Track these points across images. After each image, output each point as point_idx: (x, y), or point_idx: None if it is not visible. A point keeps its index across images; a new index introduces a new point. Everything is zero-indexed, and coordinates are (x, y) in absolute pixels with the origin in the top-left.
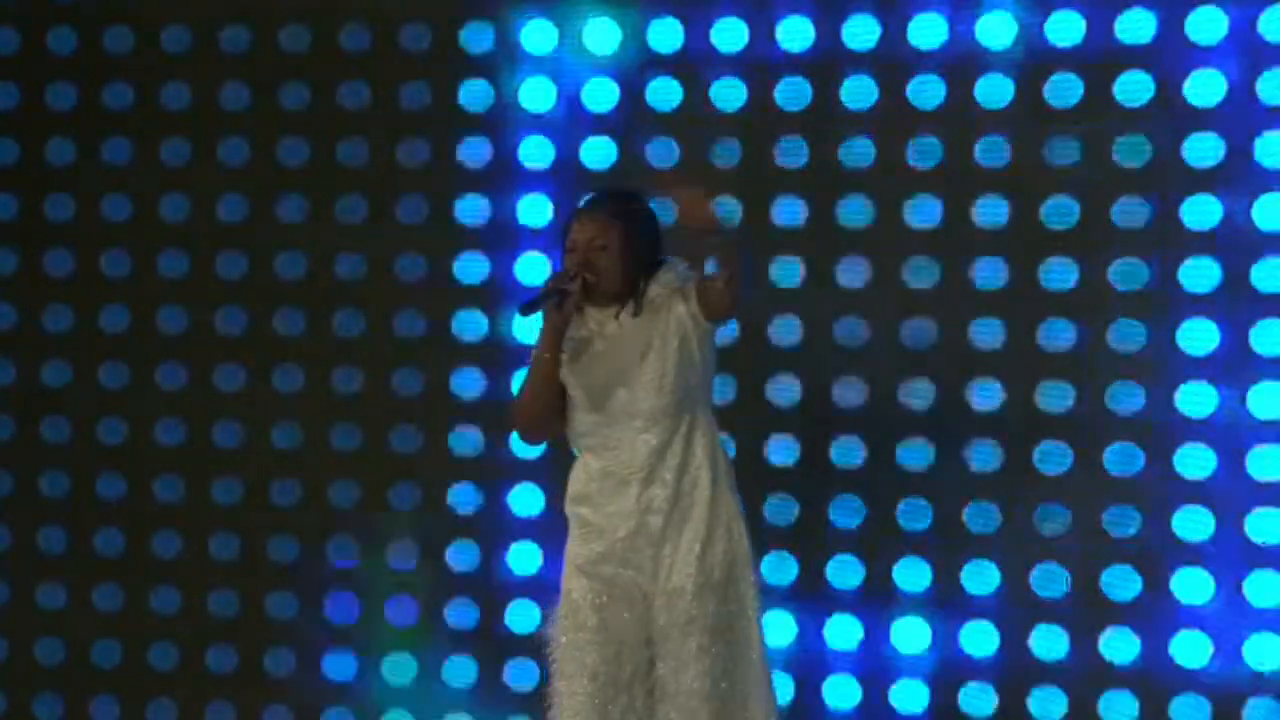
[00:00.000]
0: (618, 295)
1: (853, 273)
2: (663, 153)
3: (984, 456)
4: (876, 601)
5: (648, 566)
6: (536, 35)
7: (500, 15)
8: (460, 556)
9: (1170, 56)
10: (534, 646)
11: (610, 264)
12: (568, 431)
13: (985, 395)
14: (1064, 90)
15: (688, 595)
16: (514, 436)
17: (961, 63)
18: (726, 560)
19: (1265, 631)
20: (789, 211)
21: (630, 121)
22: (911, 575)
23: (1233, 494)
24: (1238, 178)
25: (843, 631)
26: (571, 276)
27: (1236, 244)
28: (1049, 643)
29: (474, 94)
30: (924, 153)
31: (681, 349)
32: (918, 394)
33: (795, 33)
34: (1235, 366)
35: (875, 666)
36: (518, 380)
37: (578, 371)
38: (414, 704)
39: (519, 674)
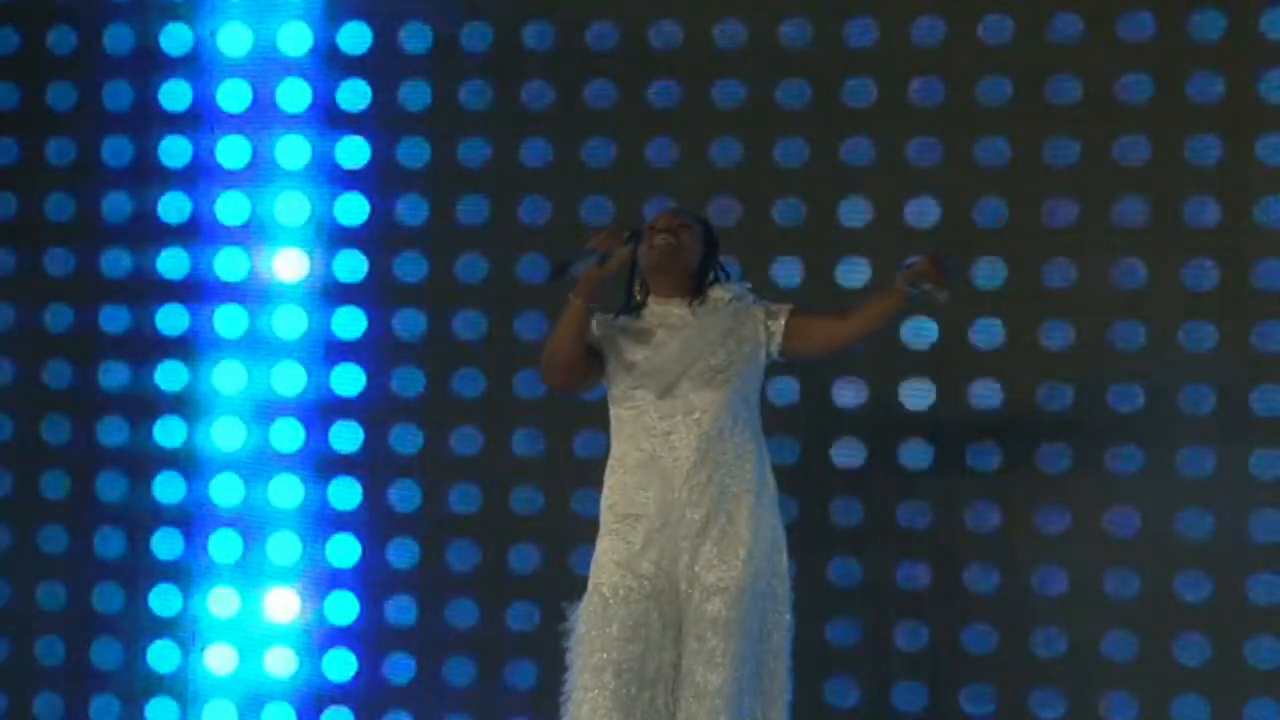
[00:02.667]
0: (686, 285)
1: (853, 273)
2: (662, 152)
3: (984, 457)
4: (876, 602)
5: (684, 559)
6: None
7: None
8: (460, 556)
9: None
10: (534, 646)
11: (692, 243)
12: (613, 418)
13: (985, 395)
14: (1065, 89)
15: (728, 596)
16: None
17: (959, 62)
18: (770, 571)
19: (1264, 633)
20: (789, 211)
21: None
22: (911, 577)
23: (1234, 495)
24: (1236, 178)
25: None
26: (627, 238)
27: (1236, 245)
28: (1050, 643)
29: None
30: (924, 152)
31: (751, 356)
32: (918, 394)
33: (796, 32)
34: (1234, 366)
35: (876, 666)
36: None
37: (639, 361)
38: (414, 704)
39: (519, 674)
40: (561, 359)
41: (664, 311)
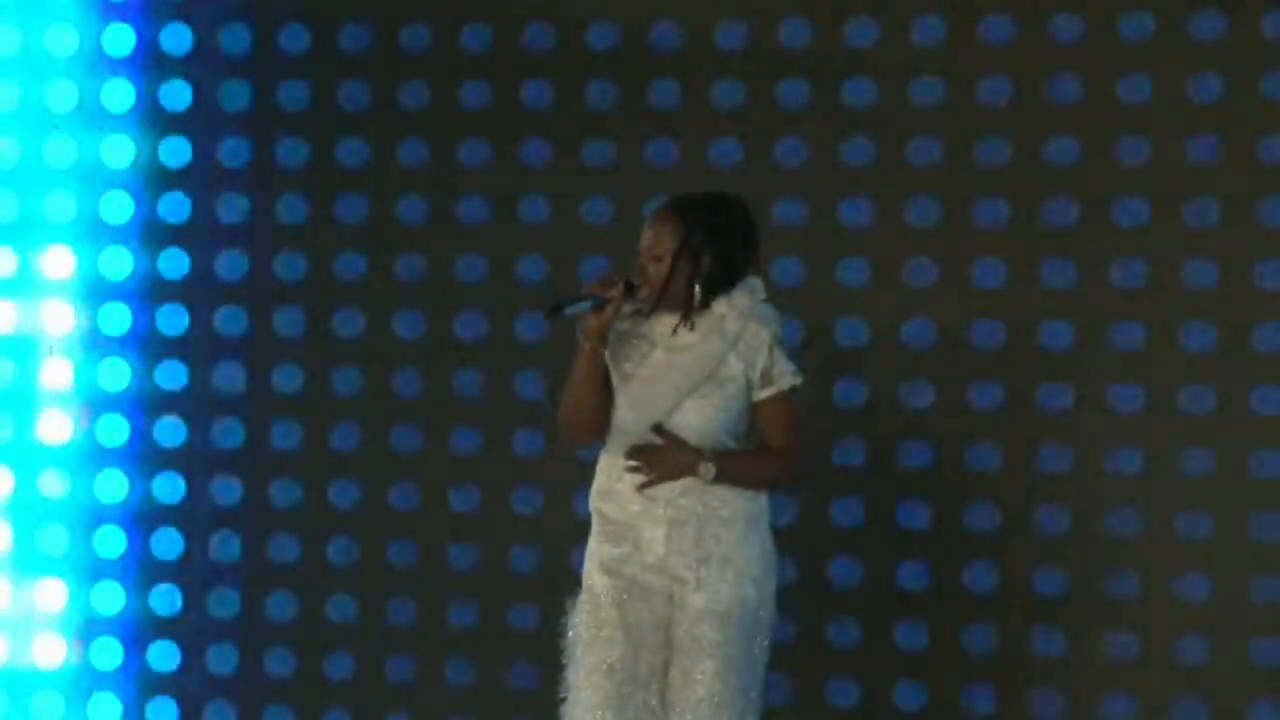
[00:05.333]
0: (681, 302)
1: (853, 273)
2: (662, 152)
3: (984, 457)
4: (877, 602)
5: (671, 571)
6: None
7: None
8: (460, 556)
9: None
10: (534, 646)
11: (661, 275)
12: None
13: (985, 395)
14: (1065, 89)
15: (715, 619)
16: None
17: (959, 62)
18: (758, 596)
19: (1264, 633)
20: (789, 211)
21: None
22: (911, 577)
23: (1233, 494)
24: (1236, 178)
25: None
26: (614, 282)
27: (1236, 245)
28: (1050, 643)
29: None
30: (924, 151)
31: (740, 388)
32: (918, 394)
33: (797, 32)
34: (1234, 366)
35: (875, 666)
36: (521, 381)
37: (635, 378)
38: (414, 704)
39: (519, 674)
40: (584, 409)
41: (667, 325)
